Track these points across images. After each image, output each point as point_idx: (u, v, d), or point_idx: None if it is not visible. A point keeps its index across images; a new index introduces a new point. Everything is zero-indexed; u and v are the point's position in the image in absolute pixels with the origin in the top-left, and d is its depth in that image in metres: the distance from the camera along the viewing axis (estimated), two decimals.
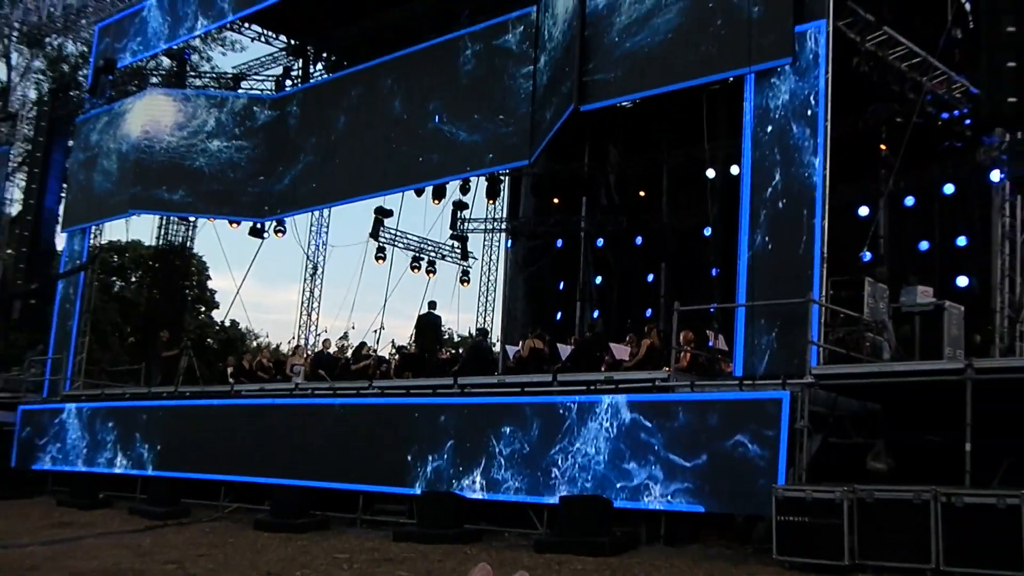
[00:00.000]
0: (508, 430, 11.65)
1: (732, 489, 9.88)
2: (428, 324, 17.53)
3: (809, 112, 10.87)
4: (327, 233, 25.18)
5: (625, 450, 10.60)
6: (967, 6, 12.57)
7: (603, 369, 13.07)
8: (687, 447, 10.19)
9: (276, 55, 22.55)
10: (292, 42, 22.25)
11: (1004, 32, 10.00)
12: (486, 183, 21.71)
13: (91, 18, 22.28)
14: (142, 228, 43.55)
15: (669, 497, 10.19)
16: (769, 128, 11.20)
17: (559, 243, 21.20)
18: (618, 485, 10.54)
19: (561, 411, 11.26)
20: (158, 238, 23.53)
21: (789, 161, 10.95)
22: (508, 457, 11.59)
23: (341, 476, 13.18)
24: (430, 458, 12.30)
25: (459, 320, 45.34)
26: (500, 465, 11.63)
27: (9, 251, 23.20)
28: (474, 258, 25.12)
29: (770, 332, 10.76)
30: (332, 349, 18.61)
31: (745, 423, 9.86)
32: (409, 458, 12.48)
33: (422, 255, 24.32)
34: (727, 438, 9.90)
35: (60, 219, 21.89)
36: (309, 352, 20.67)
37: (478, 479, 11.78)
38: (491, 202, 22.87)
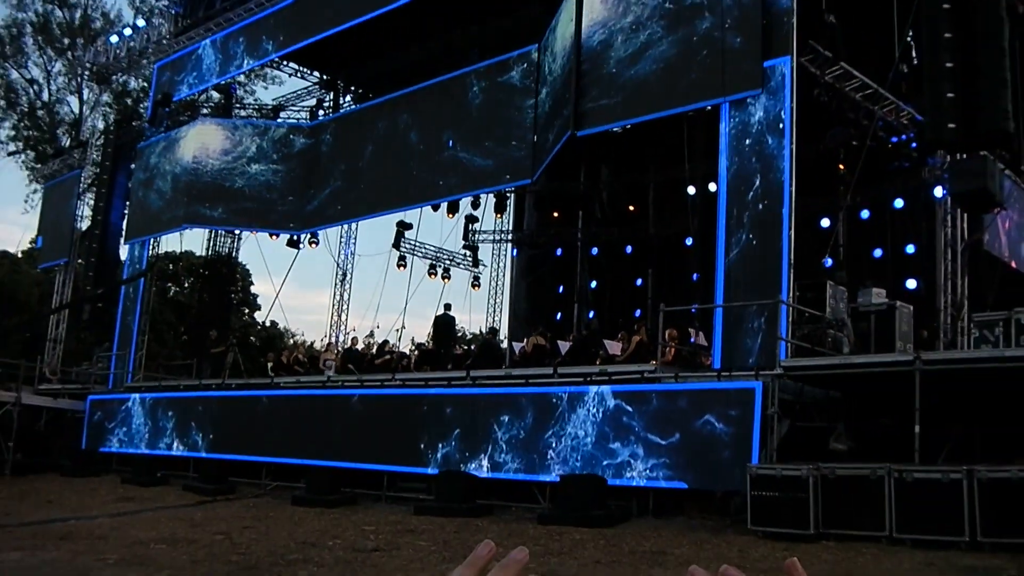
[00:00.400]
0: (507, 418, 11.61)
1: (710, 467, 9.83)
2: (444, 323, 17.50)
3: (780, 126, 10.95)
4: (355, 244, 25.14)
5: (610, 432, 10.56)
6: (912, 44, 12.54)
7: (598, 363, 13.02)
8: (665, 430, 10.13)
9: (310, 88, 22.60)
10: (324, 77, 22.32)
11: (944, 67, 9.99)
12: (494, 199, 21.71)
13: (151, 58, 22.39)
14: (193, 240, 43.51)
15: (649, 471, 10.14)
16: (747, 141, 11.25)
17: (558, 252, 21.17)
18: (604, 462, 10.50)
19: (554, 400, 11.21)
20: (207, 249, 23.58)
21: (767, 168, 11.00)
22: (507, 441, 11.54)
23: (367, 458, 13.15)
24: (440, 444, 12.28)
25: (471, 320, 45.41)
26: (501, 448, 11.59)
27: (80, 261, 23.28)
28: (484, 265, 25.09)
29: (760, 318, 10.74)
30: (360, 346, 18.56)
31: (722, 409, 9.82)
32: (422, 446, 12.46)
33: (438, 263, 24.30)
34: (705, 422, 9.86)
35: (123, 232, 21.98)
36: (339, 349, 20.64)
37: (484, 462, 11.75)
38: (499, 216, 22.84)
